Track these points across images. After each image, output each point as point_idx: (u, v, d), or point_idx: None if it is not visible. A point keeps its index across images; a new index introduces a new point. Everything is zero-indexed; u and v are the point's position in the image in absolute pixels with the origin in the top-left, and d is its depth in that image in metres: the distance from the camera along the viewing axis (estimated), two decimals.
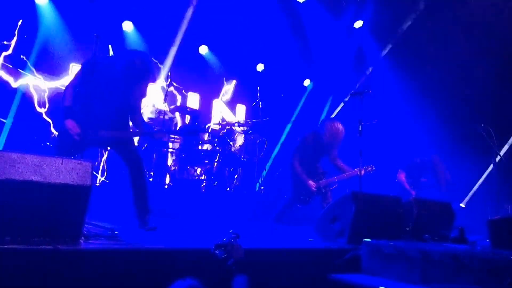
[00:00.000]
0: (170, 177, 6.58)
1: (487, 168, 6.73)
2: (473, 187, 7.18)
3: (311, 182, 4.75)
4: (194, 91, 8.56)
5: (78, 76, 3.42)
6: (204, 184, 6.57)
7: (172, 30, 7.69)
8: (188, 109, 7.56)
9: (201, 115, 7.82)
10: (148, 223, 3.38)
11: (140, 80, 3.58)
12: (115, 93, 3.48)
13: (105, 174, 6.16)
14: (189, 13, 7.56)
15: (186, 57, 8.14)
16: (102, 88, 3.41)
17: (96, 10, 2.76)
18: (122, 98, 3.55)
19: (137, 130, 3.66)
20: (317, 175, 4.89)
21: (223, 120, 8.44)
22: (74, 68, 7.32)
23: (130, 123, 3.68)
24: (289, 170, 4.93)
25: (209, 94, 8.84)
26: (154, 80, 7.16)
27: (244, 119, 8.48)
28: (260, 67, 9.31)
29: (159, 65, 7.62)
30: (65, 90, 3.41)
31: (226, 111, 9.07)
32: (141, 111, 3.71)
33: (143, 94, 3.70)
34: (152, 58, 3.73)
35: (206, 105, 8.78)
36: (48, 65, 6.67)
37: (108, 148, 3.60)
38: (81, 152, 3.11)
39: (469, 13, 6.75)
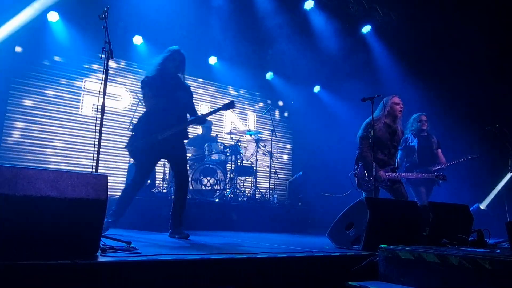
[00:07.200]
0: None
1: (506, 170, 6.60)
2: (493, 189, 7.05)
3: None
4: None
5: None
6: (217, 194, 6.57)
7: (181, 42, 7.74)
8: None
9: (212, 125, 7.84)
10: (180, 233, 3.82)
11: None
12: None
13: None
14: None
15: (196, 67, 8.22)
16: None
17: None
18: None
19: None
20: None
21: (234, 129, 8.47)
22: (87, 84, 7.43)
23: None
24: None
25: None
26: None
27: (254, 127, 8.49)
28: (269, 75, 9.36)
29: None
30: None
31: (236, 120, 9.10)
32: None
33: None
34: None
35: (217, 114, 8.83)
36: None
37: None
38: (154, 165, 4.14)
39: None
